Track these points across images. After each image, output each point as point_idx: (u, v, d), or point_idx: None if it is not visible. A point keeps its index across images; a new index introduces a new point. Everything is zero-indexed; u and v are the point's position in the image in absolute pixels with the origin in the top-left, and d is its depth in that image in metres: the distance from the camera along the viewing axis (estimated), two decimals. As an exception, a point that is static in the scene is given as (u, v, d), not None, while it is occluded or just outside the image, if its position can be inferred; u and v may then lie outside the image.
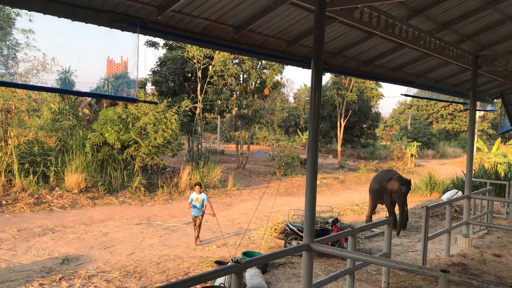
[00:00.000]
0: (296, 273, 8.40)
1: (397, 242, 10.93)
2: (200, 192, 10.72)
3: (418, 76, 10.58)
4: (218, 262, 8.20)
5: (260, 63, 25.30)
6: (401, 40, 7.17)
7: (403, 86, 11.10)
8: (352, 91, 33.42)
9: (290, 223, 9.87)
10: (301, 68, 7.78)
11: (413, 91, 12.50)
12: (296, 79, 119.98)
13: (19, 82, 17.98)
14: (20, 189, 14.96)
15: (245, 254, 8.45)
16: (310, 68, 5.58)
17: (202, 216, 10.68)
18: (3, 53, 20.82)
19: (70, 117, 20.13)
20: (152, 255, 9.53)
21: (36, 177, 15.49)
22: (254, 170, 26.97)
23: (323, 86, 30.39)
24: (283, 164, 25.17)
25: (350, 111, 34.21)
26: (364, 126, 40.58)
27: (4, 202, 13.79)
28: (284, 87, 28.42)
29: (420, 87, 11.53)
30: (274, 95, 51.97)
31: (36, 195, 14.83)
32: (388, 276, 7.40)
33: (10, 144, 15.64)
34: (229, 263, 7.35)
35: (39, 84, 17.23)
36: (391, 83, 10.40)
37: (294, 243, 9.51)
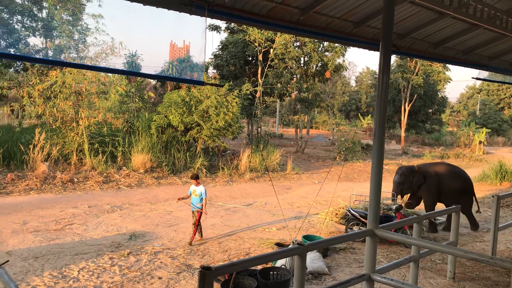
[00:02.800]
0: (357, 258, 8.33)
1: (464, 232, 10.52)
2: (198, 185, 9.43)
3: (491, 58, 9.98)
4: (278, 244, 8.28)
5: (321, 45, 24.91)
6: (475, 20, 6.76)
7: (474, 69, 10.45)
8: (418, 75, 32.17)
9: (351, 208, 9.76)
10: (366, 50, 7.58)
11: (484, 74, 11.79)
12: (358, 61, 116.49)
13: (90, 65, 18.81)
14: (90, 167, 15.79)
15: (306, 237, 8.46)
16: (377, 50, 5.42)
17: (200, 213, 9.26)
18: (74, 38, 21.85)
19: (136, 99, 20.90)
20: (214, 235, 9.78)
21: (105, 157, 16.29)
22: (313, 154, 26.81)
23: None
24: (344, 149, 24.82)
25: (415, 95, 33.02)
26: (430, 111, 39.08)
27: (76, 180, 14.62)
28: (346, 70, 27.83)
29: (493, 70, 10.87)
30: (335, 78, 51.14)
31: (105, 173, 15.60)
32: (454, 266, 7.17)
33: (81, 125, 16.50)
34: (290, 246, 7.40)
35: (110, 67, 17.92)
36: (461, 66, 9.87)
37: (356, 228, 9.41)
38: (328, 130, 45.13)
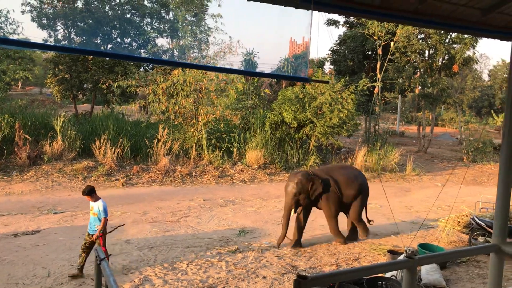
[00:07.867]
0: (481, 273, 7.45)
1: None
2: (96, 200, 6.73)
3: None
4: (391, 252, 7.74)
5: (449, 36, 23.03)
6: None
7: None
8: None
9: (477, 216, 8.78)
10: (498, 41, 6.65)
11: None
12: (492, 53, 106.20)
13: (210, 65, 19.55)
14: (207, 162, 16.45)
15: (422, 246, 7.79)
16: (510, 40, 4.68)
17: (100, 236, 6.62)
18: (197, 38, 22.90)
19: (253, 97, 21.30)
20: (323, 236, 9.48)
21: (221, 152, 16.84)
22: (437, 154, 24.99)
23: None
24: (472, 149, 22.71)
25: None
26: None
27: (194, 174, 15.31)
28: (477, 63, 25.37)
29: None
30: (465, 72, 47.19)
31: (221, 168, 16.13)
32: None
33: (200, 121, 17.25)
34: (402, 256, 6.86)
35: (226, 66, 18.46)
36: None
37: (481, 239, 8.45)
38: (456, 128, 41.85)
